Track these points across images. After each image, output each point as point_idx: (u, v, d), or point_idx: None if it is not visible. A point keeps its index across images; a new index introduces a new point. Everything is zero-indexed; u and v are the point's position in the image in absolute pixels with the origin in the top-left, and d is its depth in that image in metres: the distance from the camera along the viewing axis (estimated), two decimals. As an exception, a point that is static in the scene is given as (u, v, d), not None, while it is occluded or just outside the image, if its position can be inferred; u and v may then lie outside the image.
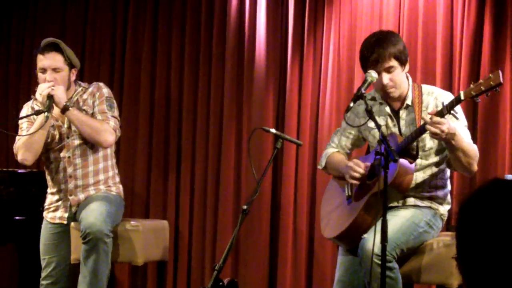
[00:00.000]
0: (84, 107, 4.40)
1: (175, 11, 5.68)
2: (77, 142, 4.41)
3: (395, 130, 3.68)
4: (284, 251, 5.26)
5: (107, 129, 4.34)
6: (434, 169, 3.69)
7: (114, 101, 4.50)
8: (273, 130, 3.71)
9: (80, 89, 4.46)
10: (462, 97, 3.36)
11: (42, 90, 4.22)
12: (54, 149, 4.42)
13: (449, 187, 3.82)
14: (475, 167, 3.58)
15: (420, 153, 3.65)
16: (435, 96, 3.67)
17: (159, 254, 4.81)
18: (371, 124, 3.60)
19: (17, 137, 4.39)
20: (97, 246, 4.19)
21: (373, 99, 3.74)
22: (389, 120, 3.71)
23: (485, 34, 4.71)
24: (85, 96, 4.44)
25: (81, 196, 4.42)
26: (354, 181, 3.66)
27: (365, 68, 3.62)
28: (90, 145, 4.41)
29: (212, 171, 5.50)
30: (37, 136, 4.26)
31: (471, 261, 1.53)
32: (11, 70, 6.11)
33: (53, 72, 4.31)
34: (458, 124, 3.55)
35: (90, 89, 4.46)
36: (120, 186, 4.59)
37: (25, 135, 4.29)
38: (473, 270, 1.53)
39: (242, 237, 5.32)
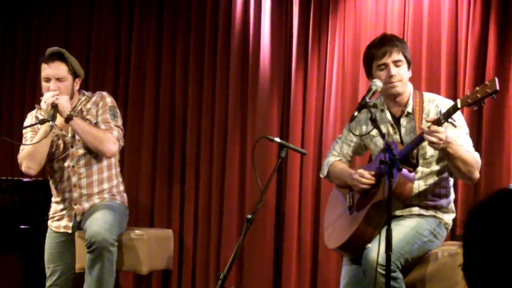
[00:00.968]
0: (88, 117, 4.41)
1: (180, 19, 5.69)
2: (81, 151, 4.41)
3: (396, 137, 3.68)
4: (288, 260, 5.25)
5: (110, 139, 4.34)
6: (436, 178, 3.68)
7: (118, 110, 4.50)
8: (277, 139, 3.70)
9: (83, 98, 4.47)
10: (459, 105, 3.35)
11: (46, 99, 4.24)
12: (58, 158, 4.43)
13: (453, 195, 3.80)
14: (477, 175, 3.55)
15: (421, 161, 3.64)
16: (436, 103, 3.67)
17: (164, 263, 4.81)
18: (373, 132, 3.61)
19: (21, 148, 4.40)
20: (102, 255, 4.20)
21: (375, 106, 3.74)
22: (390, 128, 3.71)
23: (490, 41, 4.71)
24: (88, 106, 4.44)
25: (86, 205, 4.42)
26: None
27: (370, 67, 3.67)
28: (94, 154, 4.42)
29: (217, 180, 5.50)
30: (41, 145, 4.27)
31: (477, 271, 1.53)
32: (16, 79, 6.12)
33: (56, 82, 4.32)
34: (458, 132, 3.54)
35: (93, 99, 4.47)
36: (125, 195, 4.60)
37: (29, 144, 4.30)
38: (479, 280, 1.53)
39: (247, 246, 5.31)
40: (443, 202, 3.72)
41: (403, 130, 3.69)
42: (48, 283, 4.47)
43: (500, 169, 4.67)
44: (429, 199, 3.69)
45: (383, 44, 3.68)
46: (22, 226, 4.99)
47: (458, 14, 4.81)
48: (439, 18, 4.87)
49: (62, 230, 4.46)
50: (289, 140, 5.17)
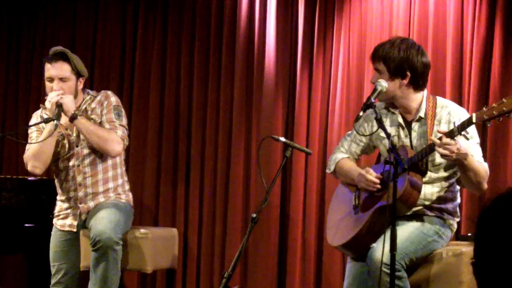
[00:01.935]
0: (92, 116, 4.41)
1: (185, 20, 5.69)
2: (86, 150, 4.42)
3: (406, 141, 3.66)
4: (292, 260, 5.26)
5: (115, 138, 4.35)
6: (444, 183, 3.66)
7: (122, 110, 4.50)
8: (282, 139, 3.69)
9: (88, 97, 4.47)
10: (474, 120, 3.32)
11: (51, 98, 4.25)
12: (63, 157, 4.43)
13: (458, 200, 3.78)
14: (485, 186, 3.55)
15: (429, 166, 3.63)
16: (449, 111, 3.63)
17: (168, 262, 4.81)
18: (383, 133, 3.59)
19: (27, 147, 4.41)
20: (107, 254, 4.21)
21: (387, 108, 3.73)
22: (401, 131, 3.68)
23: (495, 43, 4.71)
24: (93, 105, 4.45)
25: (91, 204, 4.42)
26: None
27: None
28: (99, 153, 4.42)
29: (221, 179, 5.50)
30: (46, 144, 4.28)
31: (488, 267, 1.53)
32: (21, 80, 6.13)
33: (60, 82, 4.33)
34: (470, 142, 3.52)
35: (98, 98, 4.47)
36: (130, 194, 4.60)
37: (35, 142, 4.31)
38: (490, 276, 1.53)
39: (251, 245, 5.32)
40: (448, 205, 3.70)
41: (414, 135, 3.65)
42: (53, 281, 4.48)
43: (505, 177, 4.65)
44: (435, 202, 3.67)
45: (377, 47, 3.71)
46: (27, 225, 5.01)
47: (464, 14, 4.81)
48: (444, 18, 4.87)
49: (67, 228, 4.47)
50: (294, 139, 5.17)
